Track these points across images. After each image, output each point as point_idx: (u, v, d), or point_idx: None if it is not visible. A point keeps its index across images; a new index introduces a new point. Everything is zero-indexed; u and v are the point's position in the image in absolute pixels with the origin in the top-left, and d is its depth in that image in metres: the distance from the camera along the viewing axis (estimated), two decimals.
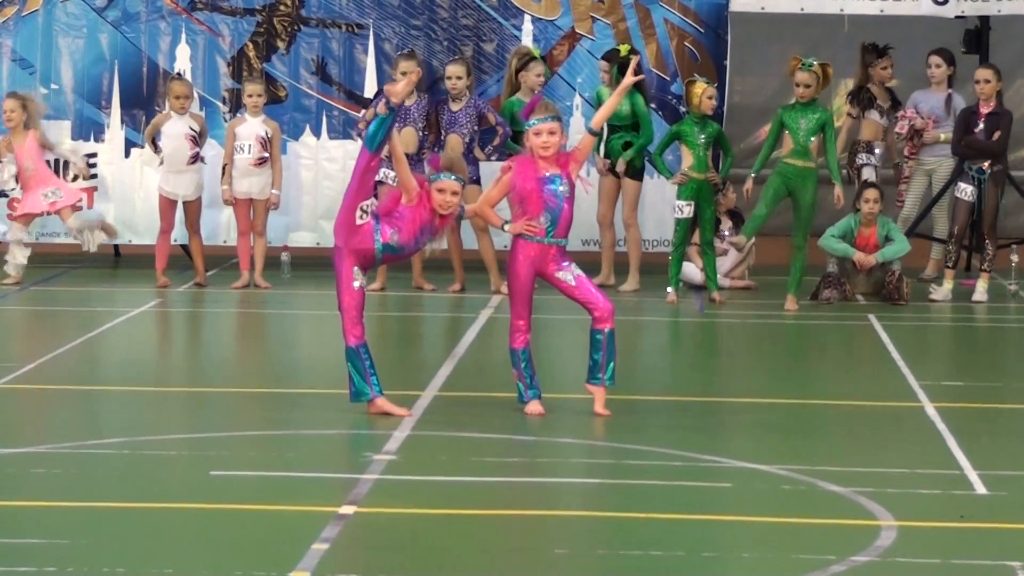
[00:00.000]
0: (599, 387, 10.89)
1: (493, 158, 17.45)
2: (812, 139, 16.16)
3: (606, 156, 17.07)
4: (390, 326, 15.74)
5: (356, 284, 10.76)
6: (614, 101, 11.24)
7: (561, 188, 10.38)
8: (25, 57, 18.46)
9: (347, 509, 8.94)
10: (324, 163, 18.46)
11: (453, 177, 10.32)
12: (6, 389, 12.16)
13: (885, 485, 9.52)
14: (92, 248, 17.16)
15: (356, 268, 10.79)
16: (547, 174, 10.38)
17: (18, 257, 17.20)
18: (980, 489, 9.55)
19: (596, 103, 17.18)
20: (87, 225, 17.12)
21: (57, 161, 17.52)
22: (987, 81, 16.86)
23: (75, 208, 17.18)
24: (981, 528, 8.74)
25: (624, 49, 17.28)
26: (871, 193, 16.56)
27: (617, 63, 16.75)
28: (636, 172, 17.11)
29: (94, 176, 17.72)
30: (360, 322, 10.82)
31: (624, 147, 16.80)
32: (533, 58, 17.25)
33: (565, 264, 10.60)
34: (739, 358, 14.72)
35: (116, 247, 18.95)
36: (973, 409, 11.86)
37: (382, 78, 17.97)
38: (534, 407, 10.98)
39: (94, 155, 17.86)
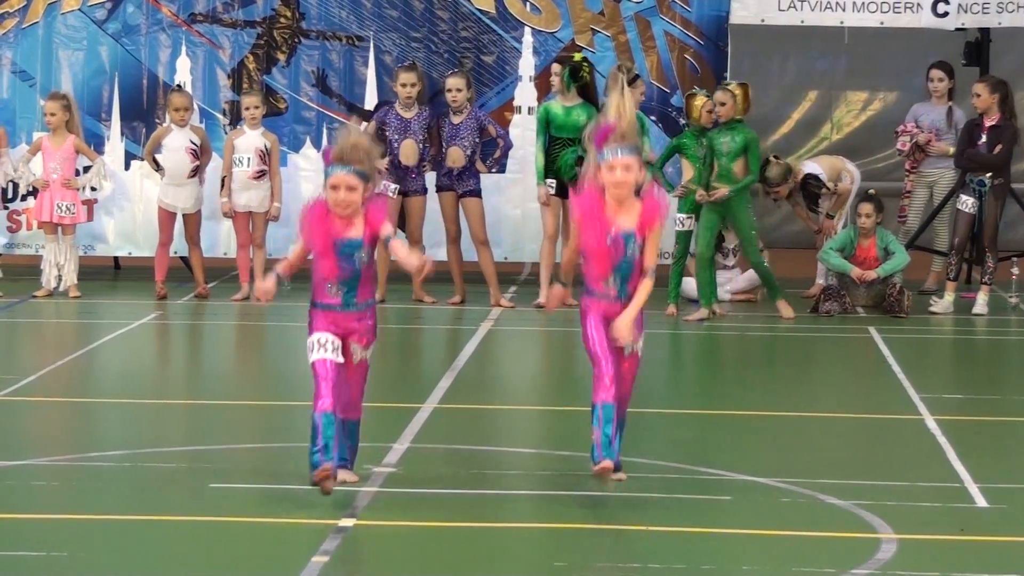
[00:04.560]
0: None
1: (494, 170, 17.54)
2: (736, 161, 16.28)
3: (557, 170, 16.74)
4: (390, 338, 15.76)
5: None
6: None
7: (632, 249, 8.46)
8: (25, 69, 18.50)
9: (347, 521, 8.98)
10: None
11: (347, 169, 8.32)
12: (6, 401, 12.19)
13: (885, 498, 9.55)
14: (65, 277, 17.17)
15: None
16: (618, 229, 8.44)
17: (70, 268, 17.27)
18: (981, 502, 9.58)
19: (540, 123, 17.04)
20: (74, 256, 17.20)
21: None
22: (978, 95, 16.90)
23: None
24: (981, 541, 8.77)
25: (578, 56, 17.32)
26: (866, 207, 16.60)
27: (568, 67, 16.76)
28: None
29: (94, 189, 17.74)
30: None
31: (578, 162, 16.53)
32: (638, 75, 17.29)
33: (638, 328, 8.70)
34: (739, 371, 14.74)
35: (116, 259, 18.97)
36: (973, 422, 11.88)
37: (383, 90, 18.04)
38: (605, 465, 8.76)
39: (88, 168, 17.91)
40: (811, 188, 17.51)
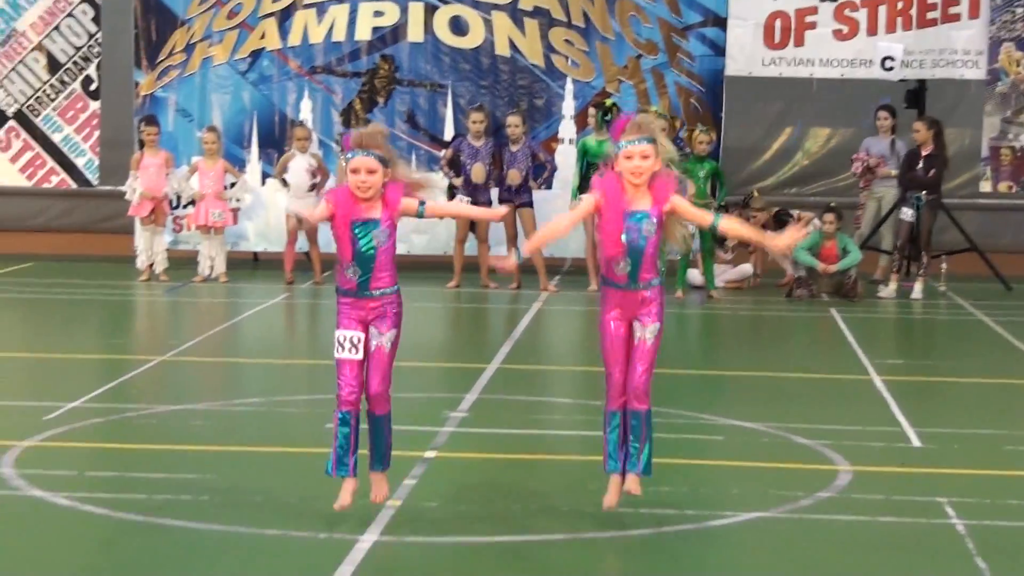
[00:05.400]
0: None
1: (543, 187, 17.50)
2: (707, 182, 16.61)
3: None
4: (462, 314, 15.78)
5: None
6: (757, 239, 8.53)
7: (647, 228, 7.02)
8: (185, 108, 18.57)
9: (430, 454, 9.03)
10: None
11: (368, 153, 7.01)
12: (172, 361, 12.27)
13: (842, 439, 9.56)
14: (216, 267, 17.25)
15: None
16: (634, 209, 7.03)
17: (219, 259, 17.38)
18: (916, 443, 9.60)
19: (580, 153, 16.97)
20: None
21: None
22: (917, 131, 16.93)
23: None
24: (916, 472, 8.79)
25: (608, 102, 17.30)
26: (829, 216, 16.60)
27: (601, 109, 16.74)
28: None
29: (239, 200, 17.82)
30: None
31: None
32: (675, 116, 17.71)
33: (652, 315, 7.18)
34: (730, 341, 14.72)
35: (255, 254, 19.03)
36: (911, 381, 11.86)
37: (458, 125, 18.05)
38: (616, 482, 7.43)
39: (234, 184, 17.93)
40: (782, 218, 17.48)
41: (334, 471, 7.22)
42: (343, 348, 7.13)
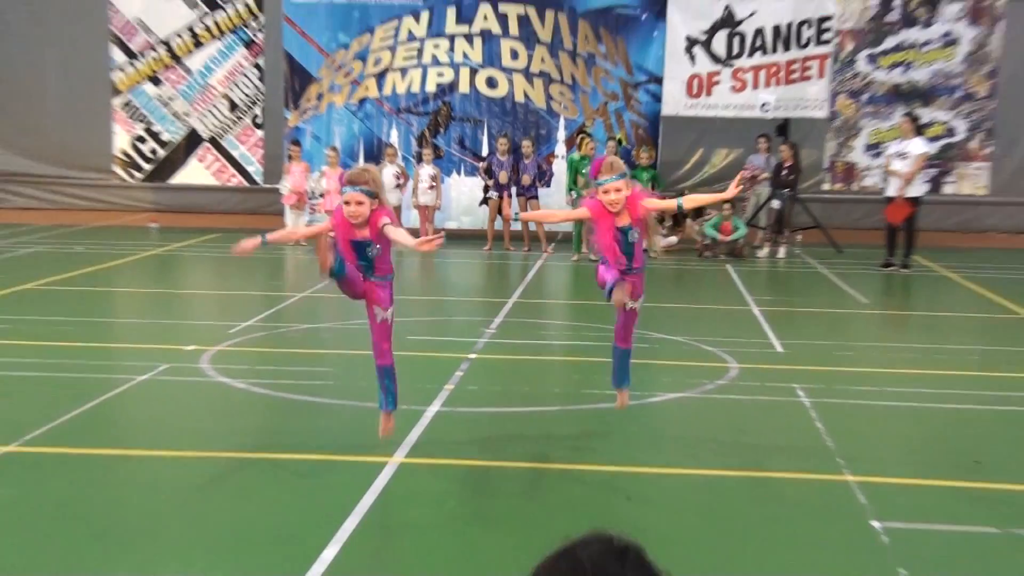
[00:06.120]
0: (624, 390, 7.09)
1: (545, 186, 17.59)
2: (648, 184, 16.33)
3: (571, 185, 16.63)
4: (492, 268, 15.89)
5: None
6: (714, 199, 7.23)
7: (632, 237, 6.46)
8: (317, 135, 18.66)
9: (472, 355, 9.17)
10: (463, 187, 18.61)
11: (356, 188, 6.01)
12: (310, 296, 12.33)
13: (732, 346, 9.68)
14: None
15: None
16: (622, 226, 6.46)
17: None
18: (779, 349, 9.72)
19: (568, 164, 16.85)
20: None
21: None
22: (782, 151, 16.98)
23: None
24: (779, 368, 8.92)
25: (587, 130, 17.55)
26: (727, 208, 16.66)
27: (580, 136, 17.16)
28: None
29: None
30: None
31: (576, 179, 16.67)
32: (620, 140, 17.42)
33: (639, 293, 6.70)
34: (662, 284, 14.74)
35: None
36: (776, 310, 11.95)
37: (491, 147, 18.12)
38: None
39: None
40: (704, 212, 17.56)
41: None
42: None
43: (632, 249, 6.49)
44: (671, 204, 6.77)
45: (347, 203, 6.01)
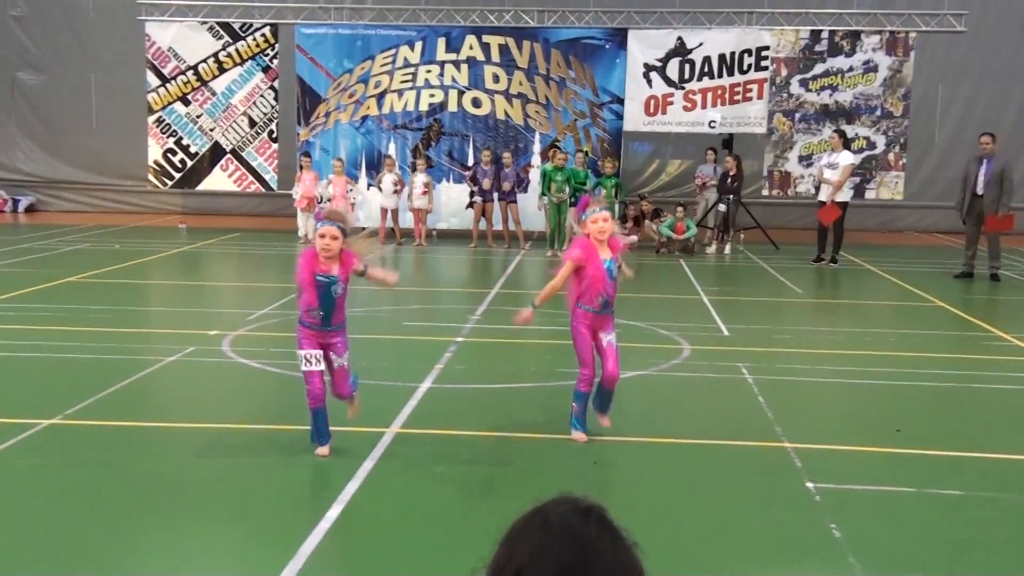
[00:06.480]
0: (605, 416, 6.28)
1: (522, 192, 17.52)
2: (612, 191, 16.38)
3: (544, 192, 16.53)
4: (477, 263, 15.82)
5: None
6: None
7: (614, 272, 6.11)
8: (325, 147, 18.47)
9: (459, 339, 9.09)
10: (452, 193, 18.47)
11: (331, 224, 5.64)
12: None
13: (684, 331, 9.64)
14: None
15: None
16: (606, 259, 6.08)
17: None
18: (725, 332, 9.68)
19: (541, 174, 16.64)
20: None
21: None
22: (727, 161, 16.96)
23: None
24: (725, 349, 8.89)
25: (558, 143, 17.50)
26: (679, 209, 16.64)
27: (552, 149, 17.08)
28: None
29: (354, 199, 17.77)
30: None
31: (549, 185, 16.48)
32: (586, 152, 17.40)
33: (610, 328, 6.16)
34: (621, 282, 14.75)
35: (363, 228, 18.92)
36: (722, 299, 11.92)
37: (476, 157, 18.00)
38: (580, 436, 6.19)
39: (351, 189, 17.84)
40: (658, 210, 17.52)
41: (318, 440, 5.85)
42: (309, 363, 5.71)
43: (613, 287, 6.08)
44: (628, 241, 6.00)
45: (322, 236, 5.62)
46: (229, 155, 19.52)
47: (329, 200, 17.27)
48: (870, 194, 18.43)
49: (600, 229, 6.04)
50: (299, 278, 5.70)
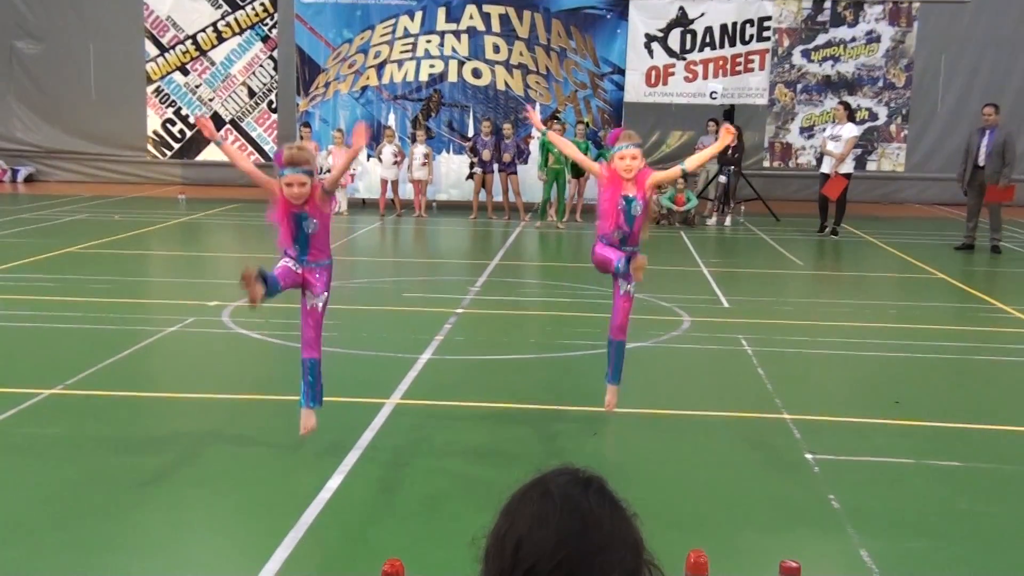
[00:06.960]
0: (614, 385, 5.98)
1: (522, 163, 17.47)
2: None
3: (543, 163, 16.41)
4: (478, 234, 15.79)
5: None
6: (711, 154, 6.01)
7: (635, 209, 5.70)
8: (325, 118, 18.40)
9: (460, 310, 9.08)
10: (452, 164, 18.41)
11: (297, 170, 5.06)
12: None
13: (685, 302, 9.63)
14: (342, 208, 17.12)
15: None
16: (627, 194, 5.68)
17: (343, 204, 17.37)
18: (726, 304, 9.67)
19: (540, 144, 16.56)
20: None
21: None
22: (728, 132, 16.72)
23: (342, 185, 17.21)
24: (726, 321, 8.87)
25: (559, 114, 17.41)
26: (681, 182, 16.55)
27: (555, 119, 16.95)
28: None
29: (354, 169, 17.70)
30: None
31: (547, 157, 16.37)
32: (587, 123, 17.34)
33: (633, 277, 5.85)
34: None
35: (363, 199, 18.76)
36: (723, 271, 11.91)
37: (476, 128, 17.92)
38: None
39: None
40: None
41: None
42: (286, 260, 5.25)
43: (632, 222, 5.70)
44: (675, 171, 5.93)
45: (289, 184, 5.08)
46: (228, 126, 19.45)
47: (328, 171, 17.20)
48: (871, 166, 18.39)
49: (627, 167, 5.67)
50: (272, 217, 5.26)
